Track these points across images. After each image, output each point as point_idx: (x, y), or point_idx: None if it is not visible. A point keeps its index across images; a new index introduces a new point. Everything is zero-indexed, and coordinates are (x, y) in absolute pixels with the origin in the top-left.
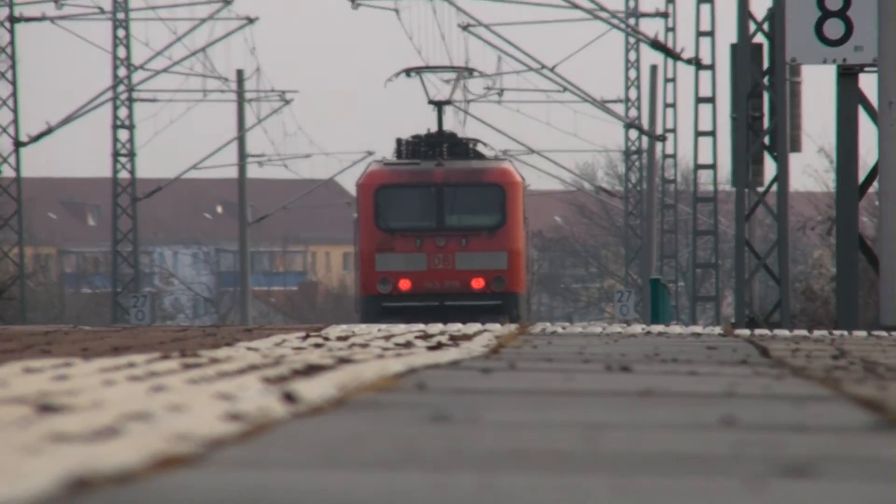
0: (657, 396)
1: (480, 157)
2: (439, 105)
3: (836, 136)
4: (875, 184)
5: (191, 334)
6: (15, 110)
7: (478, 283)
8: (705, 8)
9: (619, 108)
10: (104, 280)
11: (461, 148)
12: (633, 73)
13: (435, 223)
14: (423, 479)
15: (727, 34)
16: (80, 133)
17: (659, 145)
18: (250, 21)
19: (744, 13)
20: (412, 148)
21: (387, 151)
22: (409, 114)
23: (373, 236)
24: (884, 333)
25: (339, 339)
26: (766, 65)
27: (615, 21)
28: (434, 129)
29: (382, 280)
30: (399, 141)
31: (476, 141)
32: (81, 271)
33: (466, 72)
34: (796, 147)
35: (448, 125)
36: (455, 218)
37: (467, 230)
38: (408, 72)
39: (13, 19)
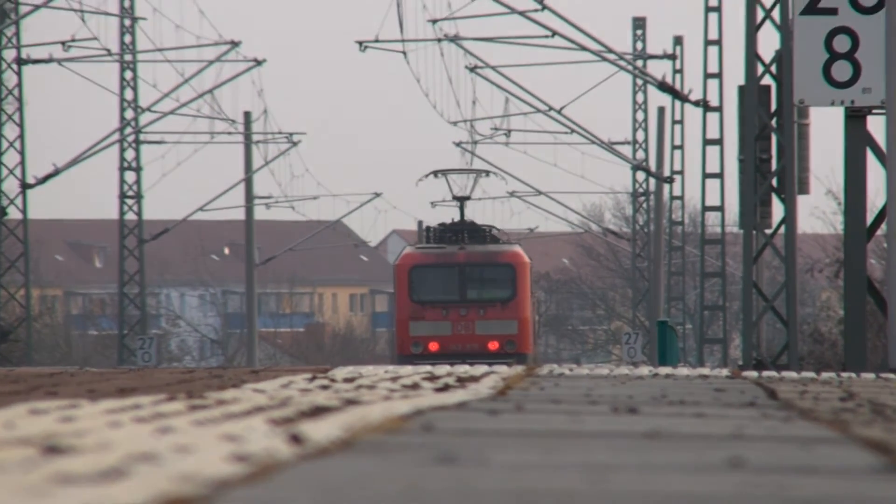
0: (664, 438)
1: (496, 240)
2: (461, 200)
3: (843, 178)
4: (883, 226)
5: (197, 376)
6: (22, 152)
7: (493, 346)
8: (713, 50)
9: (627, 150)
10: (110, 322)
11: (479, 234)
12: (640, 115)
13: (458, 296)
14: None
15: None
16: (87, 175)
17: (666, 187)
18: (258, 63)
19: (751, 55)
20: (439, 234)
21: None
22: (416, 156)
23: (407, 307)
24: (892, 376)
25: (346, 380)
26: (773, 107)
27: (623, 63)
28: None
29: (415, 343)
30: (428, 228)
31: (491, 227)
32: (88, 313)
33: (484, 173)
34: (804, 189)
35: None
36: (474, 292)
37: (485, 302)
38: (435, 173)
39: (20, 61)
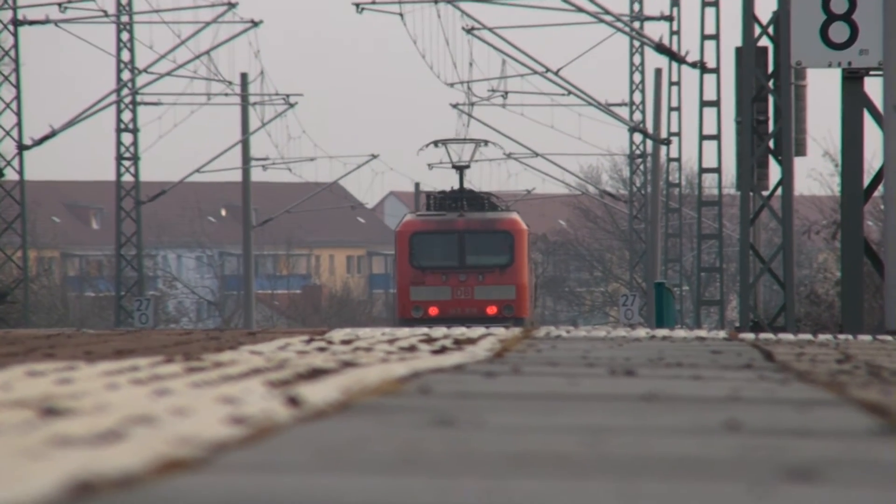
0: (661, 400)
1: (494, 208)
2: (461, 168)
3: (840, 140)
4: (880, 188)
5: (194, 338)
6: (18, 113)
7: (492, 310)
8: (710, 11)
9: (624, 112)
10: (108, 283)
11: (478, 202)
12: (637, 77)
13: (457, 262)
14: (428, 483)
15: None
16: (83, 136)
17: (663, 149)
18: (254, 24)
19: (749, 17)
20: (438, 202)
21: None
22: (413, 118)
23: (408, 272)
24: (889, 338)
25: (343, 342)
26: (770, 68)
27: (619, 24)
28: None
29: (416, 307)
30: (428, 195)
31: (490, 195)
32: (85, 275)
33: (483, 142)
34: (801, 151)
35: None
36: (473, 258)
37: (483, 268)
38: (435, 143)
39: (17, 22)
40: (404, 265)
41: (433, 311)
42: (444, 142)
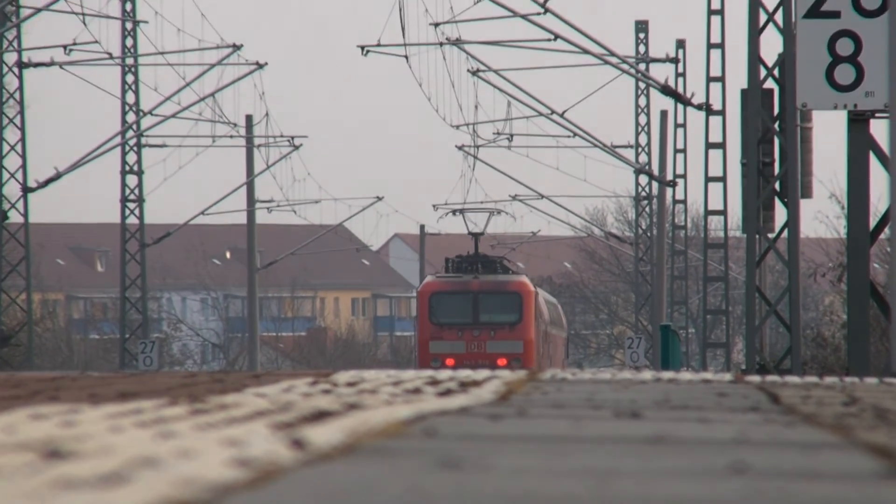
0: (667, 443)
1: (506, 270)
2: (476, 236)
3: (846, 182)
4: (886, 230)
5: (199, 380)
6: (23, 156)
7: (502, 362)
8: (715, 53)
9: (629, 154)
10: (112, 326)
11: (491, 265)
12: (643, 119)
13: (472, 319)
14: None
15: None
16: (88, 179)
17: (669, 191)
18: (259, 66)
19: (754, 59)
20: (456, 265)
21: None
22: (418, 160)
23: (427, 328)
24: (895, 380)
25: (348, 384)
26: (776, 110)
27: (625, 66)
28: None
29: (434, 359)
30: (447, 260)
31: (502, 259)
32: (89, 317)
33: (496, 212)
34: (807, 193)
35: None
36: (486, 316)
37: (495, 325)
38: (454, 211)
39: (22, 65)
40: (424, 321)
41: (450, 362)
42: (463, 210)
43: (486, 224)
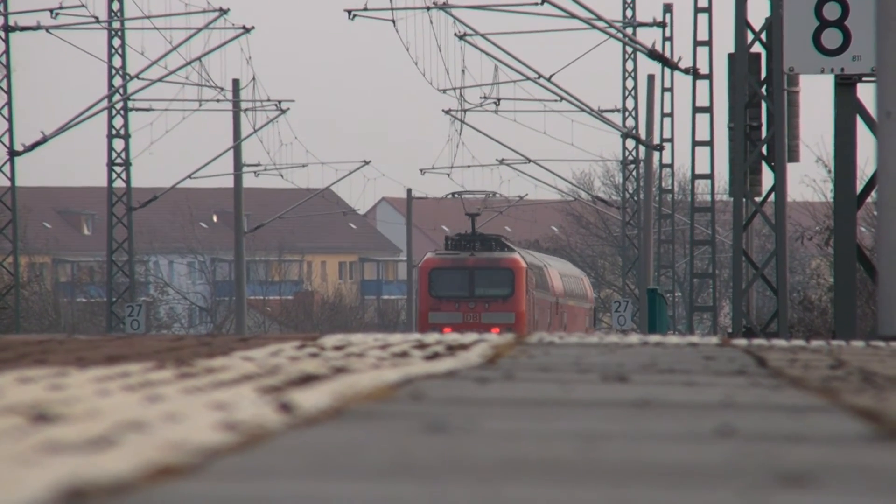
0: (654, 407)
1: (501, 248)
2: (472, 216)
3: (833, 146)
4: (873, 194)
5: (186, 344)
6: (10, 119)
7: (495, 332)
8: (702, 18)
9: (616, 118)
10: (99, 289)
11: (486, 243)
12: (630, 83)
13: (468, 293)
14: (420, 489)
15: (725, 44)
16: (75, 142)
17: (656, 155)
18: (246, 30)
19: (741, 23)
20: (455, 243)
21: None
22: (405, 124)
23: (427, 300)
24: (882, 344)
25: (335, 348)
26: (763, 74)
27: (612, 31)
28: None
29: (433, 328)
30: (447, 238)
31: (498, 236)
32: (76, 280)
33: (492, 193)
34: (794, 157)
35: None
36: (481, 290)
37: (489, 298)
38: (453, 194)
39: (8, 28)
40: (424, 294)
41: (447, 332)
42: (460, 193)
43: (482, 204)
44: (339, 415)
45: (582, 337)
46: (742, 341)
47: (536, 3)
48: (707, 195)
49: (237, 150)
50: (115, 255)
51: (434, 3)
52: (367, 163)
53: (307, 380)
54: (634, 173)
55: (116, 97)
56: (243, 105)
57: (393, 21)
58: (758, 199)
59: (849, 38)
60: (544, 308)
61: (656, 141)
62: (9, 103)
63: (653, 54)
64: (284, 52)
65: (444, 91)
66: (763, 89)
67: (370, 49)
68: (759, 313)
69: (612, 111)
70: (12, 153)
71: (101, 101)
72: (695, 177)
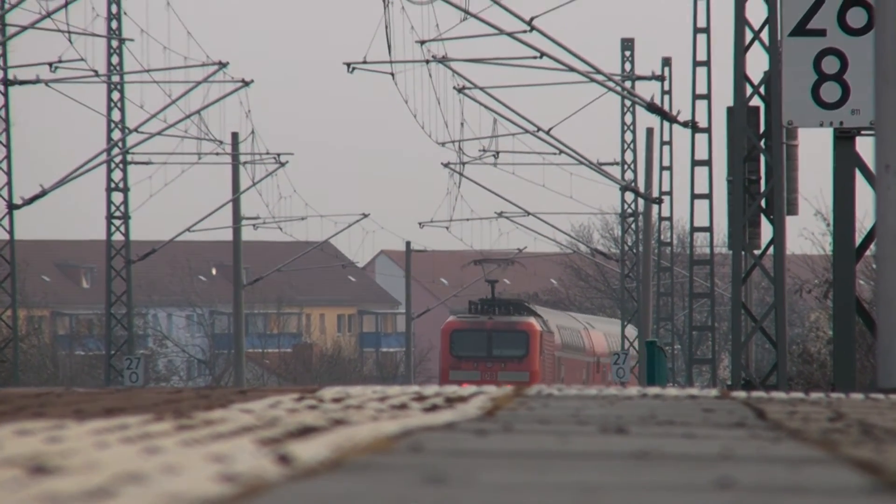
0: (653, 458)
1: (519, 312)
2: (492, 283)
3: (832, 200)
4: (872, 247)
5: (185, 396)
6: (9, 173)
7: None
8: (701, 71)
9: (615, 171)
10: (98, 342)
11: (505, 308)
12: (629, 136)
13: (486, 353)
14: None
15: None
16: (74, 195)
17: (655, 208)
18: (245, 84)
19: (740, 76)
20: (476, 307)
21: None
22: (404, 177)
23: (448, 359)
24: (881, 396)
25: (334, 400)
26: (762, 128)
27: (611, 84)
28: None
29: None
30: (470, 302)
31: (516, 302)
32: (75, 333)
33: (510, 262)
34: (793, 210)
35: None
36: (498, 350)
37: (505, 358)
38: (475, 262)
39: (7, 82)
40: (446, 353)
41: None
42: (482, 261)
43: (502, 272)
44: (337, 466)
45: (581, 389)
46: (741, 394)
47: (535, 57)
48: (706, 248)
49: (236, 203)
50: (113, 308)
51: (433, 56)
52: (365, 215)
53: (306, 432)
54: (633, 226)
55: (115, 150)
56: (242, 158)
57: (392, 74)
58: (757, 252)
59: (847, 91)
60: (579, 368)
61: (655, 194)
62: (8, 157)
63: (652, 107)
64: (283, 106)
65: (443, 144)
66: (762, 142)
67: (369, 102)
68: (758, 366)
69: (611, 164)
70: (11, 206)
71: (100, 155)
72: (694, 229)
